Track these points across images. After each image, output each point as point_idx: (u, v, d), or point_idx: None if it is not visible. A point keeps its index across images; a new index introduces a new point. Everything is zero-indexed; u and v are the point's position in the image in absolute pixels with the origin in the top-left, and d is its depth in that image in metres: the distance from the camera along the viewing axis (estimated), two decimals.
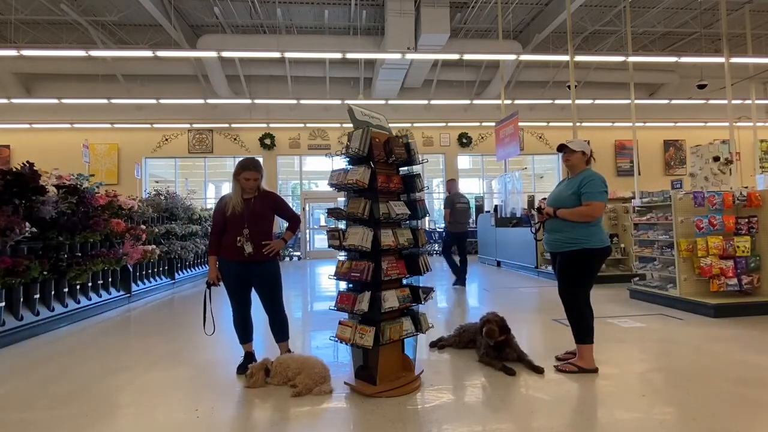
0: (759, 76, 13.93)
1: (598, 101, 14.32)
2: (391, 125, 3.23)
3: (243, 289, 3.17)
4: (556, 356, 3.30)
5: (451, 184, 7.41)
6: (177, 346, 4.01)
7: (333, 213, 2.88)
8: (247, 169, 3.07)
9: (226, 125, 14.70)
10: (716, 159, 9.07)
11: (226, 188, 15.86)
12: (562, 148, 3.18)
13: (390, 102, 14.21)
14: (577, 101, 9.86)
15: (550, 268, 5.40)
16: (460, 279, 7.06)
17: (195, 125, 14.68)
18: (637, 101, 11.37)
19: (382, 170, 2.80)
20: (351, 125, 2.87)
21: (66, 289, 4.94)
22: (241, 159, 3.20)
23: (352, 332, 2.69)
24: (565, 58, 9.54)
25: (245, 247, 3.03)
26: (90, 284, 5.41)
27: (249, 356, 3.24)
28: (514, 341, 3.27)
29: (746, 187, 7.21)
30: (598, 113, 15.43)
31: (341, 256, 2.99)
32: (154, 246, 7.00)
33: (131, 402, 2.71)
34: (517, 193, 10.57)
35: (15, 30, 11.14)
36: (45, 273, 4.50)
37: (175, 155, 14.95)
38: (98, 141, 14.09)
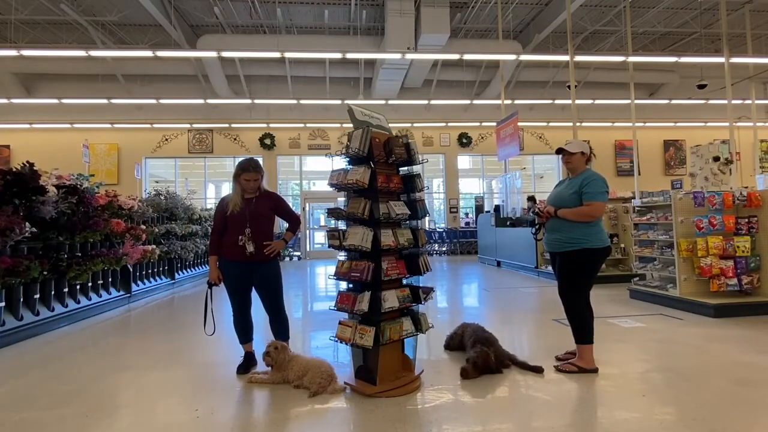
0: (759, 76, 13.92)
1: (598, 101, 14.31)
2: (391, 125, 3.23)
3: (244, 289, 3.17)
4: (556, 356, 3.30)
5: None
6: (177, 346, 4.01)
7: (333, 213, 2.88)
8: (247, 171, 3.08)
9: (226, 125, 14.71)
10: (716, 159, 9.08)
11: (226, 188, 15.92)
12: (560, 151, 3.18)
13: (390, 102, 14.20)
14: (577, 101, 9.85)
15: (550, 268, 5.40)
16: None
17: (195, 125, 14.68)
18: (637, 101, 11.37)
19: (382, 170, 2.80)
20: (351, 125, 2.86)
21: (66, 289, 4.94)
22: (240, 160, 3.19)
23: (352, 332, 2.69)
24: (565, 58, 9.54)
25: (247, 246, 3.03)
26: (90, 284, 5.41)
27: (249, 356, 3.25)
28: (499, 351, 3.14)
29: (746, 187, 7.20)
30: (598, 113, 15.43)
31: (341, 256, 2.98)
32: (154, 246, 7.00)
33: (131, 402, 2.71)
34: (517, 193, 10.57)
35: (15, 30, 11.14)
36: (45, 273, 4.49)
37: (175, 155, 14.95)
38: (98, 141, 14.10)
